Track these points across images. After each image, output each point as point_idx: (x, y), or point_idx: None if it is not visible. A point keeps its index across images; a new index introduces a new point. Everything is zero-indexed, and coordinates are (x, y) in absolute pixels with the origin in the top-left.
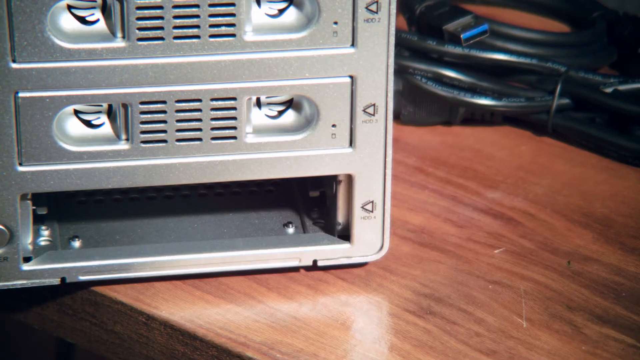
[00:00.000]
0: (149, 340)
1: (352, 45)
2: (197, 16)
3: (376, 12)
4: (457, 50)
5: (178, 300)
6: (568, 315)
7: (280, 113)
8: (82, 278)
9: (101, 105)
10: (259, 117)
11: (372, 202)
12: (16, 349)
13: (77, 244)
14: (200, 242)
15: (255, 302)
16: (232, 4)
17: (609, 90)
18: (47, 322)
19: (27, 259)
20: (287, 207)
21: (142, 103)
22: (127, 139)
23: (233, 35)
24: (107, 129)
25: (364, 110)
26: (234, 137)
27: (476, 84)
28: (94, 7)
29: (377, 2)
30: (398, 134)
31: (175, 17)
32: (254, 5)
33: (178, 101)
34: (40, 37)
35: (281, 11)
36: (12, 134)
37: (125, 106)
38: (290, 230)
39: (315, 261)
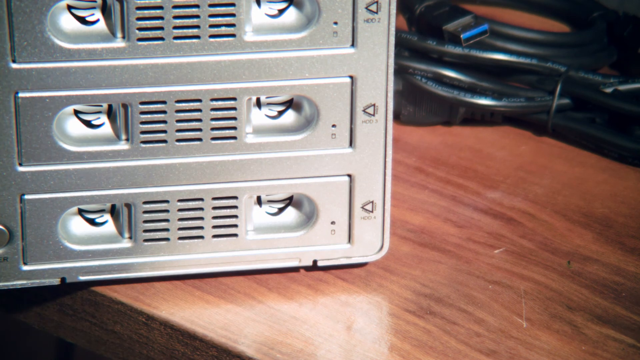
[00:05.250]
0: (149, 340)
1: (352, 45)
2: (197, 16)
3: (376, 12)
4: (457, 50)
5: (178, 300)
6: (568, 315)
7: (280, 113)
8: (82, 278)
9: (101, 106)
10: (259, 117)
11: (372, 202)
12: (16, 349)
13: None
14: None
15: (255, 302)
16: (232, 4)
17: (609, 90)
18: (47, 322)
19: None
20: None
21: (142, 103)
22: (127, 139)
23: (233, 35)
24: (107, 129)
25: (363, 111)
26: (234, 137)
27: (476, 84)
28: (94, 7)
29: (377, 2)
30: (398, 134)
31: (175, 17)
32: (254, 6)
33: (178, 101)
34: (40, 37)
35: (281, 11)
36: (12, 134)
37: (125, 106)
38: None
39: (315, 261)
